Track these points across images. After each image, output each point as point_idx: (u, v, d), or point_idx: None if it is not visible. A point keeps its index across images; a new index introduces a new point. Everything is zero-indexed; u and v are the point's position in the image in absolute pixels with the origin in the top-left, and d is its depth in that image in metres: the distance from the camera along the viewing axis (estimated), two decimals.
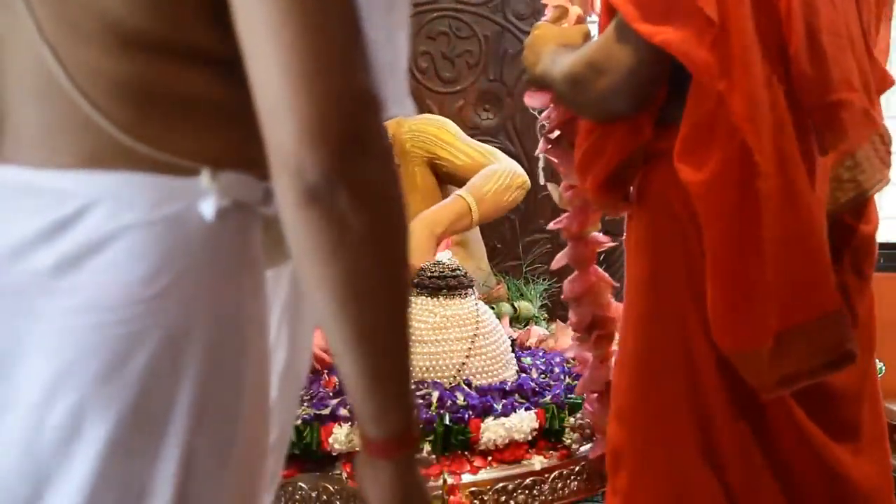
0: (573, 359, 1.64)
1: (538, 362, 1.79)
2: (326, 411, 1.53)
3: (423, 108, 2.40)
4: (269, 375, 0.78)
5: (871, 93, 1.20)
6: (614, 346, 1.72)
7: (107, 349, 0.65)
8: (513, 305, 2.14)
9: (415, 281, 1.75)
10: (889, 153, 1.25)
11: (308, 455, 1.50)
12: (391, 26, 0.80)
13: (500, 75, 2.35)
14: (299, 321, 0.92)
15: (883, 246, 1.45)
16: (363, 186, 0.64)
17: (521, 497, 1.51)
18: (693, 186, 1.14)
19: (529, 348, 1.94)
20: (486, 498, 1.49)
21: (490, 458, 1.52)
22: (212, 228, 0.69)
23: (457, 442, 1.50)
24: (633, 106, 1.20)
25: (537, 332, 2.00)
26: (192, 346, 0.68)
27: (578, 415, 1.59)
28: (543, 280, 2.10)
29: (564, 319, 1.96)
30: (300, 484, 1.49)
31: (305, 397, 1.63)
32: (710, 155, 1.12)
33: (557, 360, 1.79)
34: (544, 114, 1.45)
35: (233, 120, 0.70)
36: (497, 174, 2.12)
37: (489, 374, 1.68)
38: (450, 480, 1.48)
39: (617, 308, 1.52)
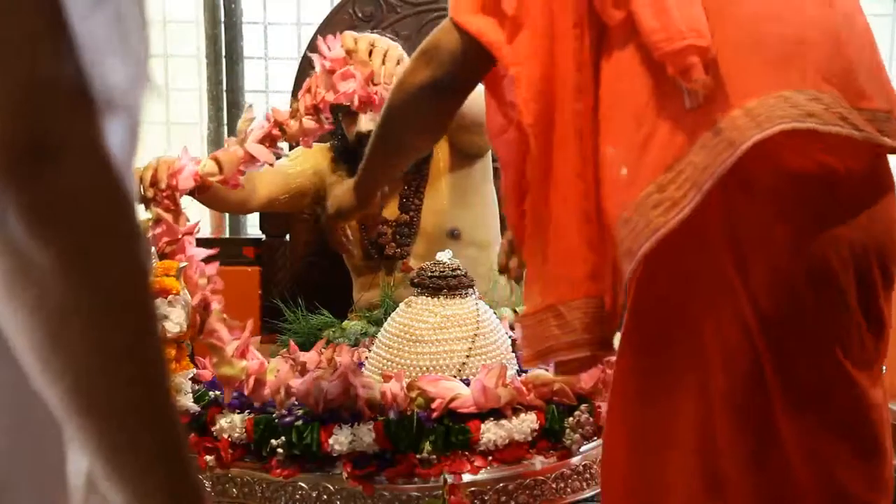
0: None
1: None
2: None
3: None
4: None
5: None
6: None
7: None
8: (514, 311, 2.13)
9: (415, 281, 1.75)
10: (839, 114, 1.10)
11: (308, 455, 1.49)
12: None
13: None
14: None
15: None
16: (46, 205, 0.49)
17: (522, 497, 1.51)
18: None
19: None
20: (486, 498, 1.49)
21: (490, 458, 1.51)
22: None
23: (457, 442, 1.50)
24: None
25: None
26: None
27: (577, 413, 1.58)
28: None
29: None
30: (300, 484, 1.49)
31: None
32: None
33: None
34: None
35: None
36: None
37: None
38: (450, 480, 1.47)
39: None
